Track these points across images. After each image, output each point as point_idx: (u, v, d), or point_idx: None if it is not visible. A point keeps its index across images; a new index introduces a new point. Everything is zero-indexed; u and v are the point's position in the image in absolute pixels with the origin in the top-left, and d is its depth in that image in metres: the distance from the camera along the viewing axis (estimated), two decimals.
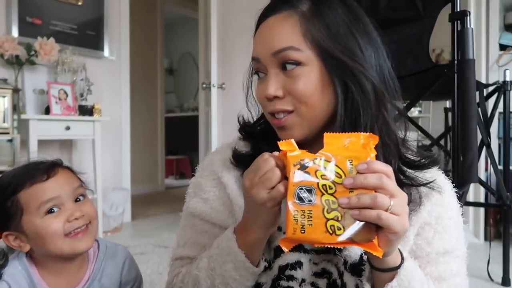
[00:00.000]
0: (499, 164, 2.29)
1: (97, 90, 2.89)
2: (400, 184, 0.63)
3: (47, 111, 2.52)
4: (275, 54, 0.65)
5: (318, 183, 0.51)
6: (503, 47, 2.80)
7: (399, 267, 0.59)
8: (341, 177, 0.51)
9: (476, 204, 2.62)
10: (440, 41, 2.70)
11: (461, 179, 1.40)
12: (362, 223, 0.50)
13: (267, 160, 0.55)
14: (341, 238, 0.50)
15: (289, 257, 0.69)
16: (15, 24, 2.59)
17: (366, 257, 0.63)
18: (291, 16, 0.65)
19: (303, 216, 0.51)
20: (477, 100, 1.72)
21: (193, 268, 0.71)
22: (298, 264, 0.69)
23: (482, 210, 2.70)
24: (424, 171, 0.69)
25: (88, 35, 3.00)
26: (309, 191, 0.51)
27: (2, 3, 2.58)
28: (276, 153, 0.57)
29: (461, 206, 0.74)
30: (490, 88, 2.09)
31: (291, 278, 0.68)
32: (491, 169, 2.28)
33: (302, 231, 0.51)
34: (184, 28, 6.68)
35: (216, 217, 0.75)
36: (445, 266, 0.68)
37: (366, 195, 0.50)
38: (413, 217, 0.67)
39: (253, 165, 0.58)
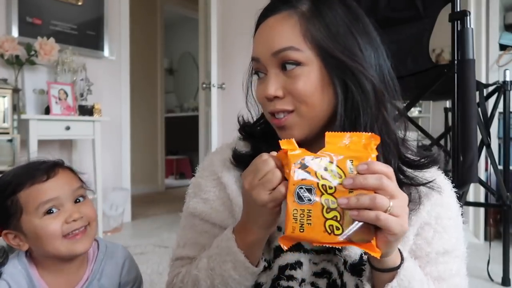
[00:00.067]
0: (499, 164, 2.29)
1: (97, 90, 2.89)
2: (400, 183, 0.63)
3: (47, 111, 2.52)
4: (275, 54, 0.65)
5: (318, 183, 0.51)
6: (503, 47, 2.80)
7: (399, 267, 0.59)
8: (341, 177, 0.51)
9: (476, 204, 2.61)
10: (440, 41, 2.70)
11: (461, 179, 1.40)
12: (361, 223, 0.50)
13: (267, 161, 0.55)
14: (340, 238, 0.50)
15: (289, 257, 0.69)
16: (15, 24, 2.59)
17: (366, 257, 0.63)
18: (291, 16, 0.65)
19: (302, 215, 0.51)
20: (477, 100, 1.72)
21: (193, 268, 0.71)
22: (298, 264, 0.69)
23: (482, 210, 2.70)
24: (424, 171, 0.69)
25: (88, 35, 3.00)
26: (309, 190, 0.51)
27: (2, 3, 2.58)
28: (274, 153, 0.56)
29: (461, 206, 0.74)
30: (490, 88, 2.09)
31: (291, 278, 0.68)
32: (491, 169, 2.28)
33: (301, 230, 0.51)
34: (184, 28, 6.68)
35: (216, 217, 0.75)
36: (444, 266, 0.68)
37: (365, 196, 0.50)
38: (413, 217, 0.67)
39: (251, 166, 0.57)
